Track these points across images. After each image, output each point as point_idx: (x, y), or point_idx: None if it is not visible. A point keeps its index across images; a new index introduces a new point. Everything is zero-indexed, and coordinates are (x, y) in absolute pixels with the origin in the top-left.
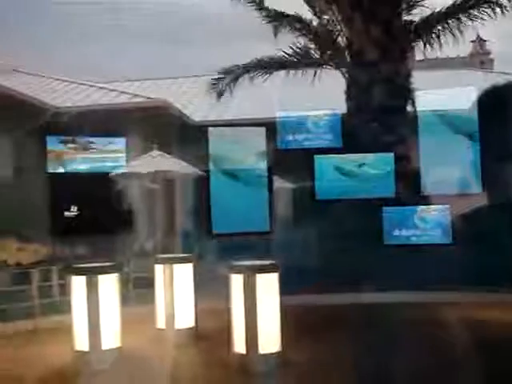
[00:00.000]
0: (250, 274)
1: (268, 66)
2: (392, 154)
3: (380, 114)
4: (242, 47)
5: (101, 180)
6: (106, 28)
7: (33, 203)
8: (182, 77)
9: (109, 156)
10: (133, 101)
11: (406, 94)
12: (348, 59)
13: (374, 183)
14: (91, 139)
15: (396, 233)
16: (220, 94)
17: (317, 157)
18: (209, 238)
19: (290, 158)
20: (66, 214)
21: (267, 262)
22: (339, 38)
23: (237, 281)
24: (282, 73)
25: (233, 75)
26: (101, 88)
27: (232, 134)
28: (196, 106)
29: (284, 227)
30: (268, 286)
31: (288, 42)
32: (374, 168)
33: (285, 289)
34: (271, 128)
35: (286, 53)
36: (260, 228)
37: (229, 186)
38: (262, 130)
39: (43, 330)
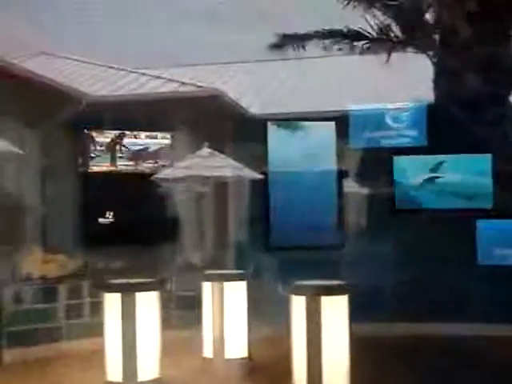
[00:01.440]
0: (315, 295)
1: (339, 42)
2: (490, 156)
3: (475, 105)
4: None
5: (141, 183)
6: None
7: (62, 207)
8: (237, 62)
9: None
10: (180, 90)
11: (508, 81)
12: (437, 39)
13: (467, 191)
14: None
15: (493, 251)
16: (280, 83)
17: (396, 158)
18: (266, 252)
19: (364, 159)
20: (100, 220)
21: (335, 283)
22: (426, 14)
23: (299, 303)
24: (356, 58)
25: (294, 61)
26: (142, 74)
27: (296, 129)
28: (253, 96)
29: (356, 241)
30: (336, 310)
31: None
32: (466, 172)
33: (356, 315)
34: (342, 123)
35: (360, 32)
36: (327, 241)
37: (291, 192)
38: (331, 125)
39: (70, 355)
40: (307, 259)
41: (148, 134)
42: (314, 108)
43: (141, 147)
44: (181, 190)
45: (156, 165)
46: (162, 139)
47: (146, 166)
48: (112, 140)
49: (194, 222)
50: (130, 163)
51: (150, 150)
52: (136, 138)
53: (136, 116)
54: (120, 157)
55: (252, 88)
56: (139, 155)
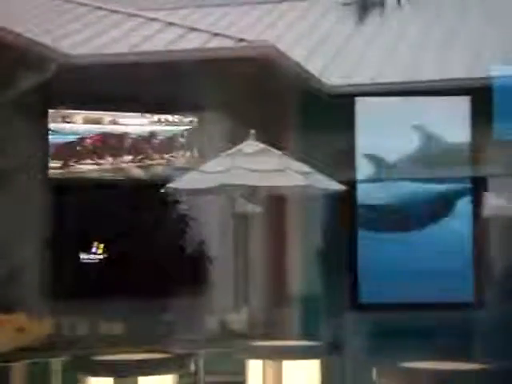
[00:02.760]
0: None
1: None
2: None
3: None
4: None
5: (148, 196)
6: None
7: (21, 236)
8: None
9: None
10: (208, 46)
11: None
12: None
13: None
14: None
15: None
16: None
17: None
18: (353, 311)
19: None
20: (83, 257)
21: (467, 367)
22: None
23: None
24: None
25: None
26: (149, 20)
27: (401, 110)
28: (326, 56)
29: (505, 298)
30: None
31: None
32: None
33: None
34: (480, 99)
35: None
36: (452, 297)
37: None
38: (464, 102)
39: None
40: (418, 325)
41: (155, 116)
42: (430, 74)
43: (144, 135)
44: (212, 208)
45: (167, 166)
46: (177, 125)
47: (152, 172)
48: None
49: (234, 262)
50: (123, 164)
51: (158, 142)
52: (135, 122)
53: (135, 88)
54: (112, 154)
55: (325, 43)
56: (139, 149)
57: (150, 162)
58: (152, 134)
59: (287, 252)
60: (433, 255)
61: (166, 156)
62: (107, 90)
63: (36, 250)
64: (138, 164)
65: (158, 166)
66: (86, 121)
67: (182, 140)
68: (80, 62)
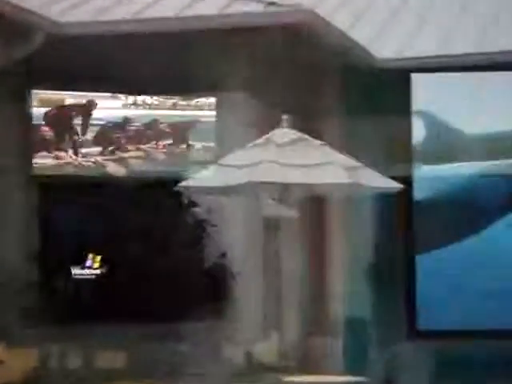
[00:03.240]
0: None
1: None
2: None
3: None
4: None
5: (157, 197)
6: None
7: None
8: None
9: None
10: (230, 12)
11: None
12: None
13: None
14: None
15: None
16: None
17: None
18: (407, 340)
19: None
20: (76, 272)
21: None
22: None
23: None
24: None
25: None
26: None
27: (466, 87)
28: (377, 23)
29: None
30: None
31: None
32: None
33: None
34: None
35: None
36: None
37: (460, 220)
38: None
39: None
40: (487, 354)
41: (161, 98)
42: (500, 46)
43: (147, 121)
44: (233, 214)
45: (178, 160)
46: (191, 109)
47: (159, 166)
48: (86, 108)
49: (263, 279)
50: (126, 154)
51: (163, 129)
52: (138, 105)
53: (138, 65)
54: (112, 149)
55: (373, 8)
56: (141, 138)
57: (154, 155)
58: (155, 121)
59: (328, 267)
60: (503, 272)
61: (177, 147)
62: (104, 67)
63: (17, 263)
64: (138, 155)
65: (166, 159)
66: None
67: (197, 127)
68: (71, 32)
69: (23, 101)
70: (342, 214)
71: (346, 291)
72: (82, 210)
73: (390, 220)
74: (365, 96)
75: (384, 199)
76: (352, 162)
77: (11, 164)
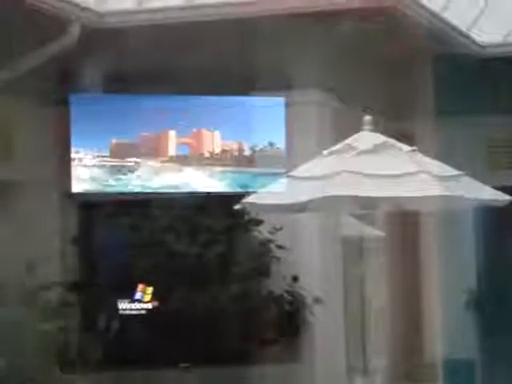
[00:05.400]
0: None
1: None
2: None
3: None
4: None
5: (216, 217)
6: None
7: (31, 272)
8: None
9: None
10: None
11: None
12: None
13: None
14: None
15: None
16: None
17: None
18: None
19: None
20: (123, 307)
21: None
22: None
23: None
24: None
25: None
26: None
27: None
28: (478, 3)
29: None
30: None
31: None
32: None
33: None
34: None
35: None
36: None
37: None
38: None
39: None
40: None
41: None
42: None
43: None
44: (306, 234)
45: (240, 171)
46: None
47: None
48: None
49: (343, 311)
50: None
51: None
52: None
53: (192, 60)
54: (169, 160)
55: None
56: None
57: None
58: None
59: (422, 295)
60: None
61: (235, 156)
62: (151, 64)
63: (51, 295)
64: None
65: (224, 170)
66: None
67: (263, 132)
68: (113, 24)
69: (64, 106)
70: (437, 231)
71: (447, 324)
72: (126, 232)
73: (496, 238)
74: (463, 91)
75: (488, 214)
76: (449, 170)
77: (48, 179)
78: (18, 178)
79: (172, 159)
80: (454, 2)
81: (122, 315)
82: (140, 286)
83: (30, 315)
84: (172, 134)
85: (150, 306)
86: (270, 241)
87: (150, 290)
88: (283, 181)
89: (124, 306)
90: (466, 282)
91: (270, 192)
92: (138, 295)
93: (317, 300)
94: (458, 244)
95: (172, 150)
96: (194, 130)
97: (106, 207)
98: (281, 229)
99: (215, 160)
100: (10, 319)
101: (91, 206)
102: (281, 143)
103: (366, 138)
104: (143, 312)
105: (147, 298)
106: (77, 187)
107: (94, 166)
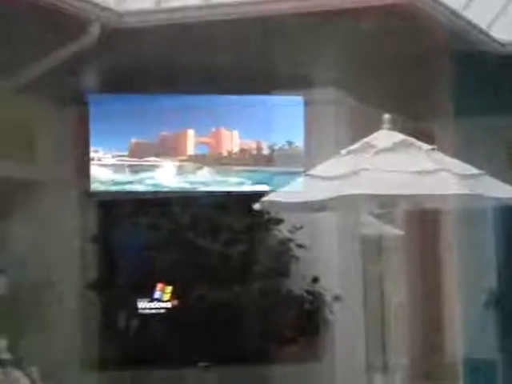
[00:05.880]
0: None
1: None
2: None
3: None
4: None
5: (235, 215)
6: None
7: (51, 273)
8: None
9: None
10: None
11: None
12: None
13: None
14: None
15: None
16: None
17: None
18: None
19: None
20: (142, 305)
21: None
22: None
23: None
24: None
25: None
26: None
27: None
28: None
29: None
30: None
31: None
32: None
33: None
34: None
35: None
36: None
37: None
38: None
39: None
40: None
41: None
42: None
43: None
44: (325, 233)
45: (258, 170)
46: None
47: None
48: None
49: (363, 311)
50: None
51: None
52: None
53: (213, 59)
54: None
55: None
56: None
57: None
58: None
59: (442, 295)
60: None
61: (254, 155)
62: (169, 64)
63: (72, 295)
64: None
65: (243, 169)
66: None
67: (278, 128)
68: (133, 24)
69: (83, 106)
70: (457, 230)
71: (465, 324)
72: (145, 231)
73: None
74: (482, 90)
75: (508, 213)
76: (468, 168)
77: (67, 178)
78: (39, 177)
79: (191, 158)
80: (475, 0)
81: (141, 314)
82: (159, 285)
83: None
84: (191, 133)
85: (169, 304)
86: (290, 240)
87: (169, 289)
88: (302, 180)
89: (143, 305)
90: (486, 280)
91: (289, 191)
92: (157, 294)
93: (336, 298)
94: (478, 243)
95: (191, 150)
96: (213, 129)
97: (125, 206)
98: (301, 228)
99: (234, 159)
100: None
101: (110, 205)
102: (299, 142)
103: (385, 136)
104: (162, 311)
105: (166, 296)
106: (96, 186)
107: (113, 165)
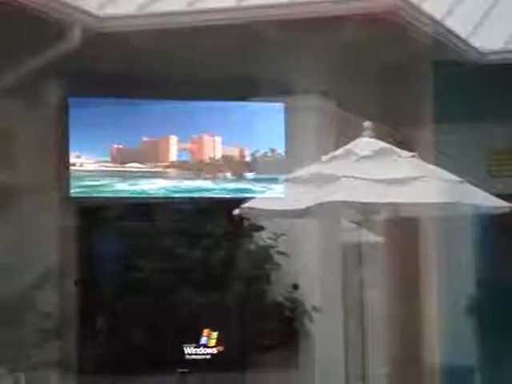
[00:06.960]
0: None
1: None
2: None
3: None
4: None
5: (214, 222)
6: None
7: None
8: None
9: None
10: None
11: None
12: None
13: None
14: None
15: None
16: None
17: None
18: None
19: None
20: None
21: None
22: None
23: None
24: None
25: None
26: None
27: None
28: (479, 9)
29: None
30: None
31: None
32: None
33: None
34: None
35: None
36: None
37: None
38: None
39: None
40: None
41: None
42: None
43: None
44: (305, 240)
45: (237, 175)
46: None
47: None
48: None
49: (343, 320)
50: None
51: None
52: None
53: (194, 65)
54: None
55: None
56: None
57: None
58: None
59: (422, 303)
60: None
61: (236, 162)
62: (153, 69)
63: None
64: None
65: (225, 175)
66: None
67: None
68: (113, 28)
69: (63, 109)
70: (437, 239)
71: (445, 332)
72: (125, 236)
73: (496, 246)
74: (463, 99)
75: (488, 221)
76: (449, 176)
77: (46, 183)
78: (17, 182)
79: (173, 165)
80: (456, 9)
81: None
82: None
83: None
84: (173, 139)
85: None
86: (270, 248)
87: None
88: (282, 186)
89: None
90: (465, 288)
91: (269, 197)
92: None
93: (315, 308)
94: (458, 250)
95: (173, 156)
96: (196, 135)
97: (106, 211)
98: (282, 235)
99: (216, 166)
100: None
101: (90, 210)
102: (281, 148)
103: (366, 143)
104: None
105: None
106: (76, 191)
107: (93, 170)
